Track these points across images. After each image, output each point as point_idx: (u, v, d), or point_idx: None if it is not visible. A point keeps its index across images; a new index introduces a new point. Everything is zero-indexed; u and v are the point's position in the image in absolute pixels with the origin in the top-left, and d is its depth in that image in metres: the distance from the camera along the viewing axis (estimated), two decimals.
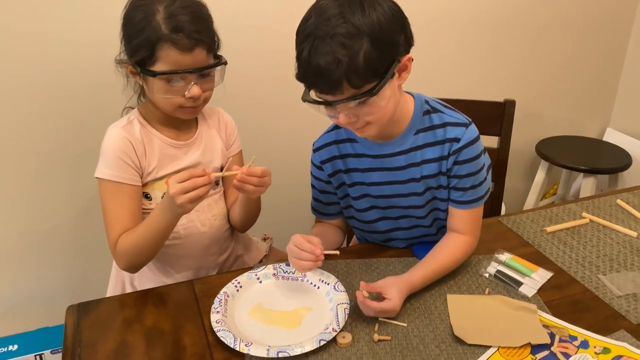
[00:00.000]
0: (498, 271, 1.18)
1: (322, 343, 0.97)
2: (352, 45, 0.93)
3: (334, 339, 1.00)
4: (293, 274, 1.16)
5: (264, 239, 1.52)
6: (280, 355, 0.95)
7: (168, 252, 1.26)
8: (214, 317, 1.03)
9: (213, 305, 1.07)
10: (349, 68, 0.94)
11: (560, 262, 1.24)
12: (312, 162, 1.28)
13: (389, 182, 1.20)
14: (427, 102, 1.16)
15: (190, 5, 1.12)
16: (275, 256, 1.49)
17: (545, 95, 2.48)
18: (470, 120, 1.15)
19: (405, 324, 1.05)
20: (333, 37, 0.93)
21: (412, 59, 1.03)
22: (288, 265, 1.16)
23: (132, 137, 1.19)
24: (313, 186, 1.31)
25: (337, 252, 1.14)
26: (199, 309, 1.10)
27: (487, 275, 1.19)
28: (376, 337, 1.01)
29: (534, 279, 1.17)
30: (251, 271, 1.17)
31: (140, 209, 1.20)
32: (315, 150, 1.25)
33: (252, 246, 1.44)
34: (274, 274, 1.16)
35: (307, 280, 1.15)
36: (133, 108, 1.27)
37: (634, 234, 1.34)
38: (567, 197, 2.65)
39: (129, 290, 1.30)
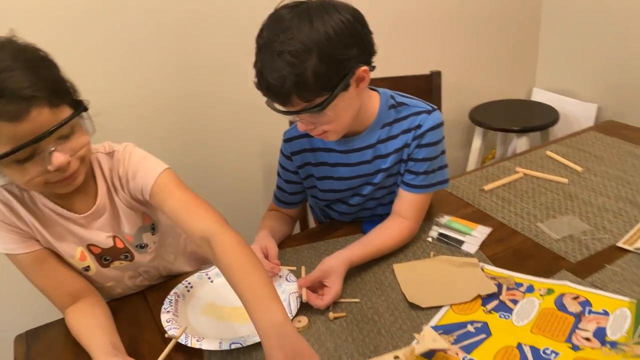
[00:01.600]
0: (440, 234, 1.21)
1: None
2: (299, 63, 0.94)
3: None
4: None
5: None
6: (233, 346, 0.94)
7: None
8: (164, 317, 1.02)
9: (163, 306, 1.05)
10: (297, 85, 0.95)
11: (500, 217, 1.28)
12: (281, 151, 1.27)
13: (356, 177, 1.21)
14: (392, 97, 1.18)
15: (11, 53, 0.82)
16: None
17: (471, 64, 2.55)
18: (435, 107, 1.17)
19: (357, 300, 1.06)
20: (280, 54, 0.95)
21: (372, 69, 1.04)
22: None
23: (7, 201, 0.98)
24: (279, 175, 1.31)
25: (294, 268, 1.14)
26: (153, 317, 1.08)
27: (430, 239, 1.21)
28: (331, 315, 1.02)
29: (475, 236, 1.20)
30: (201, 271, 1.15)
31: (64, 265, 1.04)
32: (286, 141, 1.24)
33: (205, 262, 1.33)
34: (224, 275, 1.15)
35: None
36: None
37: (565, 180, 1.39)
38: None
39: None
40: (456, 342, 0.93)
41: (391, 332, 0.97)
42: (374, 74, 1.07)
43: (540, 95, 2.73)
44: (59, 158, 0.86)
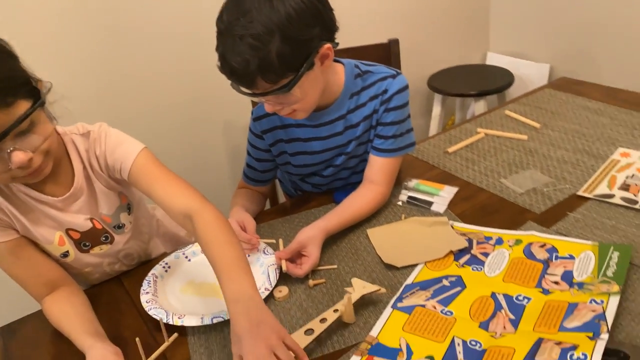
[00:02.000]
0: (409, 197, 1.24)
1: None
2: (262, 46, 0.94)
3: (272, 295, 1.01)
4: None
5: None
6: (215, 320, 0.95)
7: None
8: (144, 298, 1.02)
9: (142, 288, 1.05)
10: (261, 68, 0.95)
11: (465, 176, 1.32)
12: (250, 130, 1.26)
13: (329, 149, 1.22)
14: (357, 66, 1.18)
15: None
16: None
17: (426, 32, 2.57)
18: (399, 71, 1.18)
19: (335, 266, 1.08)
20: (242, 38, 0.94)
21: (335, 45, 1.04)
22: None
23: None
24: (249, 154, 1.29)
25: (273, 240, 1.15)
26: (132, 300, 1.07)
27: (400, 203, 1.24)
28: (311, 282, 1.04)
29: (442, 196, 1.24)
30: (178, 251, 1.15)
31: (41, 253, 1.02)
32: (255, 119, 1.23)
33: (178, 242, 1.33)
34: (202, 250, 1.15)
35: None
36: None
37: (525, 137, 1.44)
38: None
39: None
40: (433, 296, 0.96)
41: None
42: None
43: (494, 59, 2.79)
44: (19, 157, 0.83)
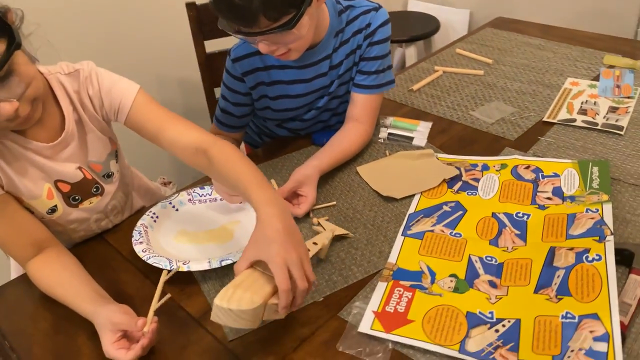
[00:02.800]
0: (389, 134, 1.26)
1: None
2: None
3: None
4: (210, 195, 1.10)
5: (164, 184, 1.39)
6: (224, 263, 0.91)
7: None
8: (139, 248, 0.95)
9: (133, 238, 0.97)
10: (264, 3, 0.90)
11: (435, 112, 1.35)
12: (229, 72, 1.18)
13: (312, 91, 1.19)
14: (338, 1, 1.14)
15: None
16: None
17: None
18: (379, 4, 1.15)
19: (334, 202, 1.08)
20: None
21: None
22: (202, 188, 1.11)
23: None
24: (225, 98, 1.22)
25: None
26: (122, 256, 1.01)
27: (381, 140, 1.25)
28: (315, 220, 1.03)
29: (420, 130, 1.27)
30: (164, 200, 1.08)
31: (26, 211, 0.93)
32: (235, 60, 1.15)
33: (154, 196, 1.27)
34: (190, 199, 1.10)
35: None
36: None
37: (481, 72, 1.50)
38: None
39: None
40: (438, 221, 1.00)
41: (376, 224, 1.01)
42: None
43: (415, 6, 2.85)
44: (4, 109, 0.76)
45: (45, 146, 0.91)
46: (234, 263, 0.90)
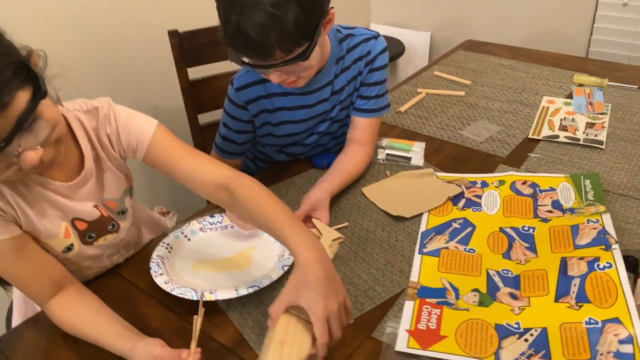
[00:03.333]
0: (387, 154, 1.30)
1: (286, 268, 0.97)
2: (281, 15, 0.91)
3: None
4: (220, 223, 1.11)
5: (162, 214, 1.37)
6: (251, 290, 0.92)
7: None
8: (160, 280, 0.94)
9: (152, 270, 0.96)
10: (280, 37, 0.92)
11: (425, 132, 1.41)
12: (231, 100, 1.19)
13: (315, 116, 1.21)
14: (338, 30, 1.18)
15: None
16: None
17: None
18: (378, 33, 1.20)
19: (347, 223, 1.10)
20: (262, 7, 0.90)
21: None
22: (212, 216, 1.11)
23: None
24: (227, 125, 1.22)
25: None
26: (140, 289, 0.99)
27: (380, 161, 1.29)
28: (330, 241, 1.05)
29: (415, 150, 1.32)
30: (176, 231, 1.08)
31: (44, 250, 0.89)
32: (238, 89, 1.16)
33: (158, 227, 1.25)
34: (201, 228, 1.10)
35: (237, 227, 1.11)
36: None
37: (462, 93, 1.57)
38: None
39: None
40: (451, 238, 1.04)
41: (391, 243, 1.04)
42: None
43: (377, 29, 2.93)
44: (30, 157, 0.73)
45: (64, 185, 0.89)
46: (260, 289, 0.92)
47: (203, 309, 0.83)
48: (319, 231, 1.01)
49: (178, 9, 1.95)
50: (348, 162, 1.20)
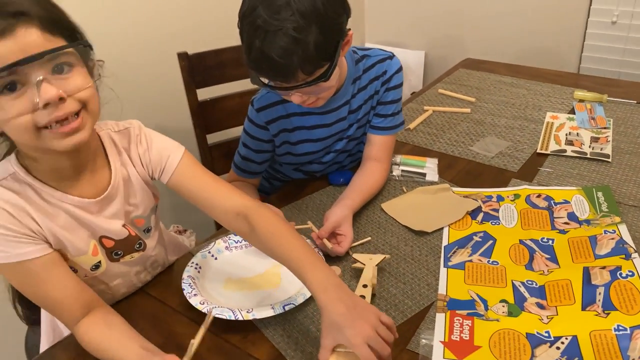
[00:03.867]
0: (403, 171, 1.33)
1: None
2: (303, 39, 0.95)
3: None
4: (245, 241, 1.12)
5: (178, 232, 1.38)
6: (287, 308, 0.94)
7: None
8: (195, 300, 0.95)
9: (185, 291, 0.97)
10: (302, 59, 0.96)
11: (436, 148, 1.44)
12: (252, 121, 1.21)
13: (332, 135, 1.24)
14: (354, 51, 1.21)
15: None
16: None
17: None
18: (393, 53, 1.25)
19: (369, 238, 1.12)
20: (285, 31, 0.94)
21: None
22: (236, 234, 1.13)
23: (9, 203, 0.82)
24: (246, 145, 1.24)
25: (305, 225, 1.13)
26: (171, 308, 1.00)
27: (396, 177, 1.32)
28: (355, 256, 1.06)
29: (429, 166, 1.35)
30: (202, 250, 1.09)
31: (73, 274, 0.90)
32: (259, 110, 1.19)
33: (178, 246, 1.26)
34: (227, 247, 1.11)
35: None
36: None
37: (468, 110, 1.62)
38: None
39: (64, 331, 1.08)
40: (473, 251, 1.07)
41: (415, 257, 1.07)
42: None
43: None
44: (48, 90, 0.73)
45: (92, 202, 0.90)
46: (296, 307, 0.94)
47: (204, 328, 0.84)
48: (360, 262, 1.03)
49: (187, 32, 1.98)
50: (367, 179, 1.23)
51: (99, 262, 0.95)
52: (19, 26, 0.71)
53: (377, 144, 1.27)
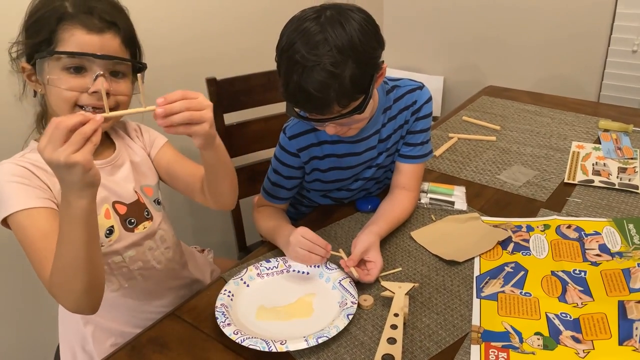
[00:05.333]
0: (431, 199, 1.34)
1: (351, 317, 0.99)
2: (340, 73, 0.97)
3: (359, 306, 1.03)
4: (277, 267, 1.13)
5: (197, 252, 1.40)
6: (320, 340, 0.94)
7: (128, 299, 1.10)
8: (229, 330, 0.96)
9: (219, 320, 0.99)
10: (338, 93, 0.99)
11: (463, 176, 1.45)
12: (283, 148, 1.23)
13: (362, 163, 1.26)
14: (385, 82, 1.23)
15: None
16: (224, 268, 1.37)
17: None
18: (423, 83, 1.28)
19: (400, 268, 1.13)
20: (322, 66, 0.97)
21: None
22: (268, 261, 1.14)
23: (28, 163, 0.95)
24: (277, 172, 1.26)
25: (337, 253, 1.13)
26: (206, 334, 1.00)
27: (424, 205, 1.33)
28: (385, 284, 1.07)
29: (457, 194, 1.35)
30: (235, 277, 1.10)
31: None
32: (291, 138, 1.21)
33: (198, 260, 1.31)
34: (258, 273, 1.12)
35: (294, 270, 1.13)
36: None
37: (493, 138, 1.63)
38: None
39: (81, 357, 1.09)
40: (506, 282, 1.07)
41: (447, 287, 1.07)
42: None
43: (391, 74, 3.01)
44: (102, 82, 0.91)
45: (103, 162, 1.04)
46: (329, 339, 0.94)
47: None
48: (390, 291, 1.03)
49: (214, 58, 2.02)
50: (395, 208, 1.23)
51: (112, 226, 1.01)
52: (109, 31, 0.94)
53: (406, 173, 1.28)
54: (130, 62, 0.99)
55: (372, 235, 1.13)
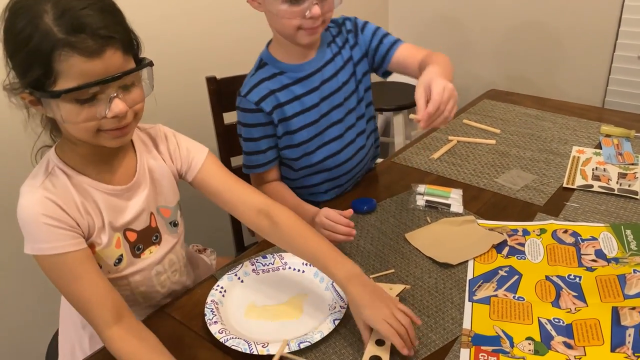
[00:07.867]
0: (426, 201, 1.32)
1: (337, 322, 0.97)
2: None
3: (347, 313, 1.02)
4: (272, 264, 1.12)
5: (198, 251, 1.39)
6: (302, 345, 0.93)
7: None
8: (215, 328, 0.96)
9: (207, 317, 0.98)
10: None
11: (461, 179, 1.44)
12: (243, 110, 1.26)
13: (325, 98, 1.30)
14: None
15: None
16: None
17: None
18: (344, 16, 1.38)
19: (392, 270, 1.12)
20: None
21: None
22: (265, 257, 1.13)
23: (56, 195, 0.89)
24: (247, 139, 1.28)
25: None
26: (194, 332, 1.00)
27: (420, 207, 1.32)
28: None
29: (453, 197, 1.34)
30: (229, 273, 1.09)
31: (104, 276, 0.93)
32: (245, 95, 1.24)
33: (201, 269, 1.29)
34: (254, 269, 1.11)
35: (290, 268, 1.12)
36: (50, 147, 0.97)
37: (493, 141, 1.61)
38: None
39: (80, 355, 1.08)
40: (499, 286, 1.05)
41: (440, 290, 1.06)
42: None
43: (393, 76, 3.00)
44: (118, 105, 0.85)
45: (122, 188, 0.98)
46: (310, 345, 0.93)
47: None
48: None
49: (214, 56, 2.02)
50: (438, 59, 1.22)
51: (121, 255, 0.99)
52: (107, 48, 0.82)
53: (407, 50, 1.33)
54: (139, 69, 0.89)
55: (428, 72, 1.11)
